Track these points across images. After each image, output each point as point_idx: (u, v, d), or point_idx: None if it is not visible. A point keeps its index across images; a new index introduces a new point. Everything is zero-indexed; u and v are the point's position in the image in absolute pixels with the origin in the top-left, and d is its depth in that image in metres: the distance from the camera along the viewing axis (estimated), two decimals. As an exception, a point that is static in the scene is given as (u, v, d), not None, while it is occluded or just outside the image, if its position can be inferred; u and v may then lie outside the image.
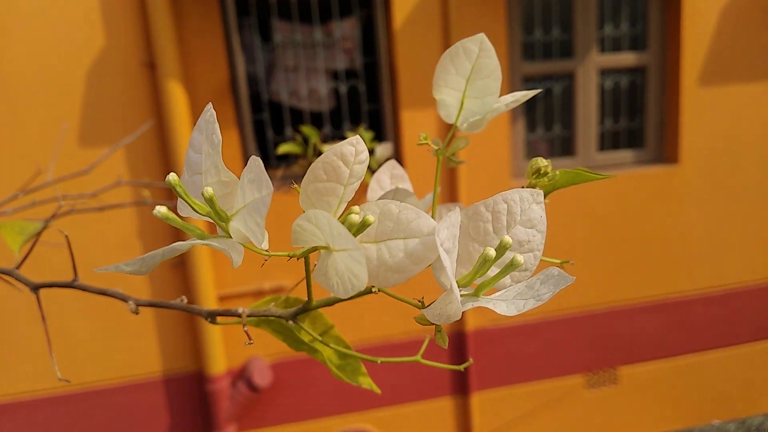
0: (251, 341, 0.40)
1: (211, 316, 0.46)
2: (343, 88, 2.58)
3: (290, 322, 0.42)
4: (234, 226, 0.34)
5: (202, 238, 0.36)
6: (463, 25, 2.45)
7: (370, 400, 2.68)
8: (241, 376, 2.48)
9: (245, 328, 0.40)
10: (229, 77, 2.31)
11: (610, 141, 2.84)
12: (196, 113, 2.28)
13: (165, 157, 2.28)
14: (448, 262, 0.31)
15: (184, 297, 0.47)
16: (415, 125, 2.52)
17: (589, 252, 2.74)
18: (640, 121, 2.83)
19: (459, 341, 2.70)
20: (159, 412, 2.48)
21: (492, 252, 0.34)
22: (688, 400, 3.03)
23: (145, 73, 2.22)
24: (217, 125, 0.34)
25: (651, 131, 2.82)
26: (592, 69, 2.71)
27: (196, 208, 0.35)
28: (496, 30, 2.48)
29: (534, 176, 0.40)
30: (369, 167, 1.55)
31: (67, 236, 0.49)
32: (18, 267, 0.56)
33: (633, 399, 2.95)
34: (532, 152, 2.80)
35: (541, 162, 0.40)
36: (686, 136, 2.67)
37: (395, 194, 0.46)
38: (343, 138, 2.24)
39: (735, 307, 2.95)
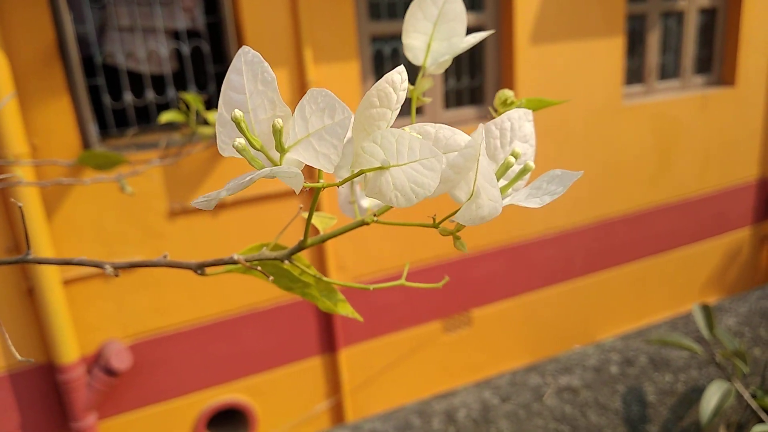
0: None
1: (200, 268, 0.47)
2: (186, 49, 2.44)
3: (286, 262, 0.45)
4: (290, 157, 0.36)
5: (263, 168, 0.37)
6: (310, -16, 2.42)
7: (238, 369, 2.65)
8: (97, 361, 2.32)
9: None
10: (55, 39, 2.08)
11: (454, 99, 2.99)
12: (19, 80, 2.04)
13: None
14: (489, 164, 0.34)
15: (166, 253, 0.47)
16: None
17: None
18: (480, 79, 3.00)
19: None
20: (7, 411, 2.26)
21: (513, 160, 0.39)
22: (533, 334, 3.36)
23: (-50, 34, 1.93)
24: (266, 64, 0.35)
25: (490, 89, 3.01)
26: (434, 29, 2.81)
27: (254, 143, 0.36)
28: (343, -11, 2.48)
29: (502, 105, 0.45)
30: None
31: (20, 207, 0.45)
32: None
33: (486, 338, 3.21)
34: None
35: (508, 93, 0.46)
36: (520, 92, 2.89)
37: None
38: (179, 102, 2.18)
39: (566, 246, 3.30)
